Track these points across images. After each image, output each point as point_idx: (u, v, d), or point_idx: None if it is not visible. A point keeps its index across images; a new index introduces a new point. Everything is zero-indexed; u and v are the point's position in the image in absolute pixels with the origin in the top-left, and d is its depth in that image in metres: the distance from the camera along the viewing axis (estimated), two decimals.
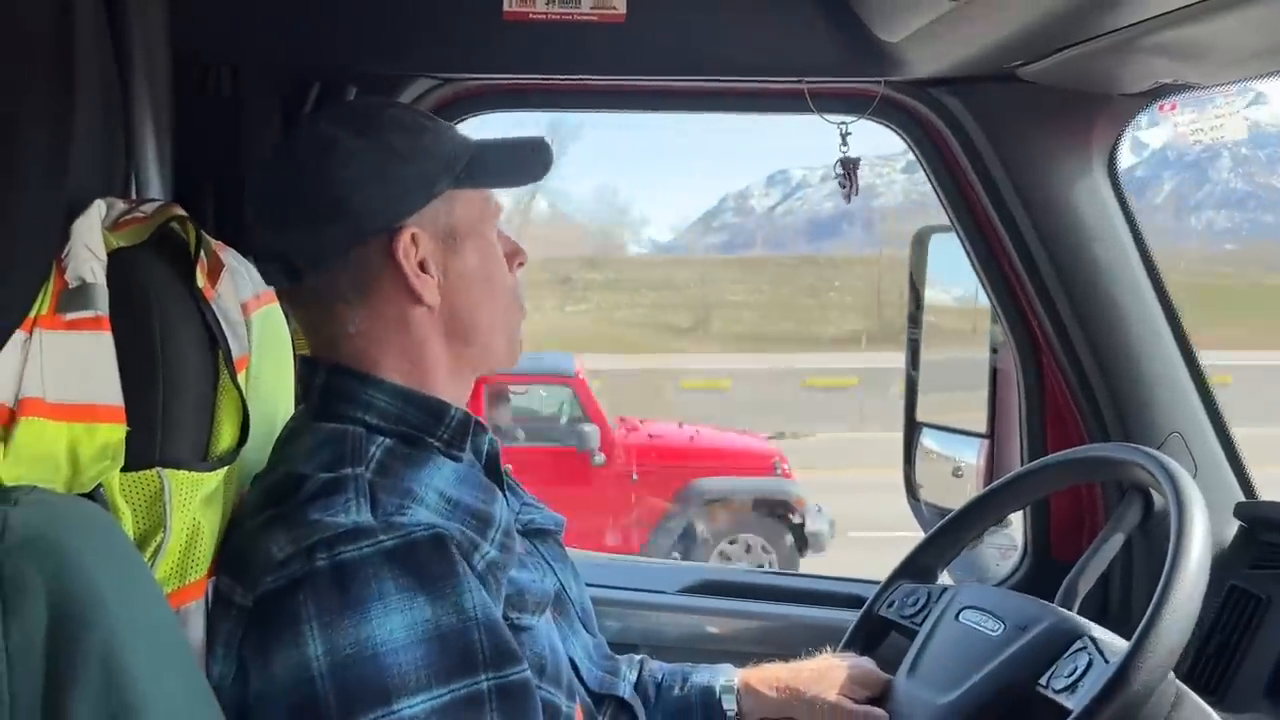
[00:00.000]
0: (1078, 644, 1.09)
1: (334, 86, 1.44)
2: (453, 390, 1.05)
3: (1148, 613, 1.02)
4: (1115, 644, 1.07)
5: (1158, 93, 1.48)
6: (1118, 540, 1.27)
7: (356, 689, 0.84)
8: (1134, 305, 1.57)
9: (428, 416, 1.01)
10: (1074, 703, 1.04)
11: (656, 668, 1.30)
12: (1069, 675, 1.06)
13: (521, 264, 1.10)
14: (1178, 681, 1.10)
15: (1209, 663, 1.46)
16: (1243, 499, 1.58)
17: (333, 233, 1.01)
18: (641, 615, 1.69)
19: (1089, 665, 1.05)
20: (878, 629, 1.34)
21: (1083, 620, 1.14)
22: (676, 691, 1.26)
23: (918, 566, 1.37)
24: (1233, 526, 1.55)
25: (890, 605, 1.33)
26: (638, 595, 1.71)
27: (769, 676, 1.24)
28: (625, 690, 1.12)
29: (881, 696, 1.23)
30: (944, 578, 1.42)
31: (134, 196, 1.18)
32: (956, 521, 1.39)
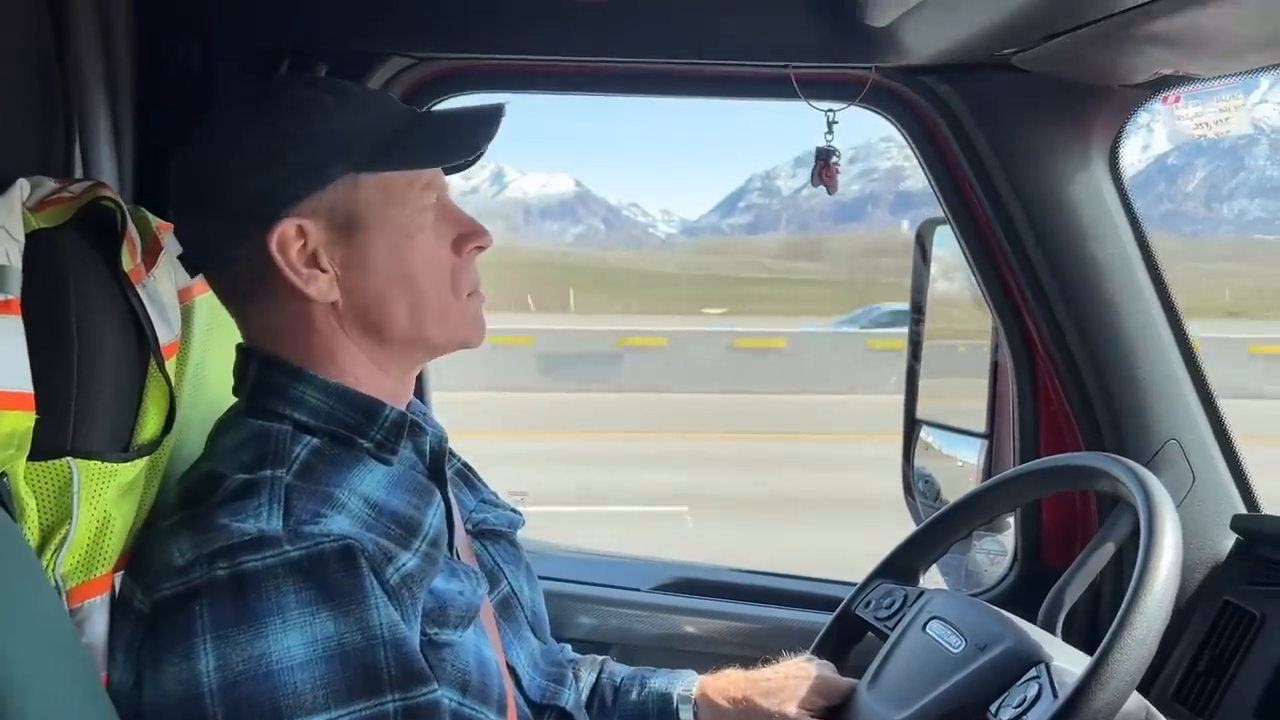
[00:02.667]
0: (1032, 672, 1.03)
1: (304, 63, 1.40)
2: (387, 386, 1.00)
3: (1097, 652, 0.96)
4: (1071, 675, 1.01)
5: (1160, 84, 1.41)
6: (1108, 551, 1.21)
7: (246, 709, 0.80)
8: (1132, 306, 1.50)
9: (359, 416, 0.97)
10: None
11: (616, 670, 1.26)
12: (1017, 706, 1.01)
13: (480, 248, 1.02)
14: (1149, 704, 1.05)
15: (1198, 681, 1.40)
16: (1243, 511, 1.52)
17: (213, 229, 0.97)
18: (616, 613, 1.65)
19: (1037, 697, 1.00)
20: (852, 629, 1.30)
21: (1045, 644, 1.08)
22: (634, 696, 1.22)
23: (898, 566, 1.32)
24: (1230, 540, 1.49)
25: (867, 605, 1.29)
26: (611, 592, 1.67)
27: (727, 686, 1.20)
28: (569, 700, 1.08)
29: (844, 704, 1.19)
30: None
31: (80, 175, 1.16)
32: (938, 524, 1.34)
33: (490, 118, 0.99)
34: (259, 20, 1.42)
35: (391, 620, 0.85)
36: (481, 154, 1.01)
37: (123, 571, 0.90)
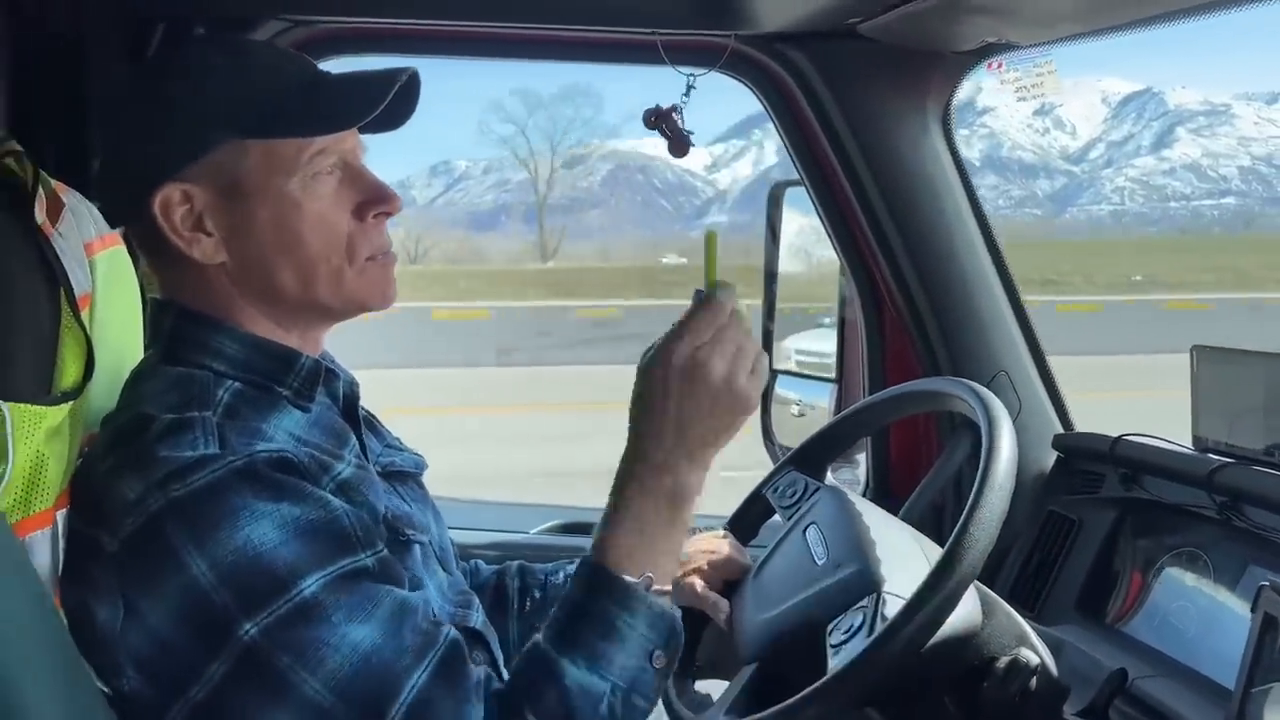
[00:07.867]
0: (864, 601, 1.06)
1: (179, 29, 1.41)
2: (295, 340, 1.04)
3: (949, 541, 1.01)
4: (892, 609, 1.03)
5: (985, 51, 1.58)
6: (945, 476, 1.35)
7: (249, 588, 0.86)
8: (966, 254, 1.68)
9: (276, 365, 1.01)
10: (831, 665, 1.02)
11: (535, 569, 1.36)
12: (845, 632, 1.04)
13: (387, 214, 1.03)
14: (985, 591, 1.12)
15: (1029, 582, 1.59)
16: (1062, 431, 1.72)
17: (112, 192, 1.01)
18: (508, 555, 1.73)
19: (859, 629, 1.03)
20: (761, 510, 1.37)
21: (890, 569, 1.10)
22: (559, 581, 1.32)
23: (806, 458, 1.37)
24: (1052, 457, 1.68)
25: (775, 490, 1.35)
26: (502, 536, 1.75)
27: None
28: (478, 621, 1.15)
29: (737, 585, 1.27)
30: None
31: None
32: (840, 424, 1.40)
33: (385, 82, 0.98)
34: None
35: (344, 502, 0.93)
36: (398, 117, 1.03)
37: (70, 514, 0.93)
